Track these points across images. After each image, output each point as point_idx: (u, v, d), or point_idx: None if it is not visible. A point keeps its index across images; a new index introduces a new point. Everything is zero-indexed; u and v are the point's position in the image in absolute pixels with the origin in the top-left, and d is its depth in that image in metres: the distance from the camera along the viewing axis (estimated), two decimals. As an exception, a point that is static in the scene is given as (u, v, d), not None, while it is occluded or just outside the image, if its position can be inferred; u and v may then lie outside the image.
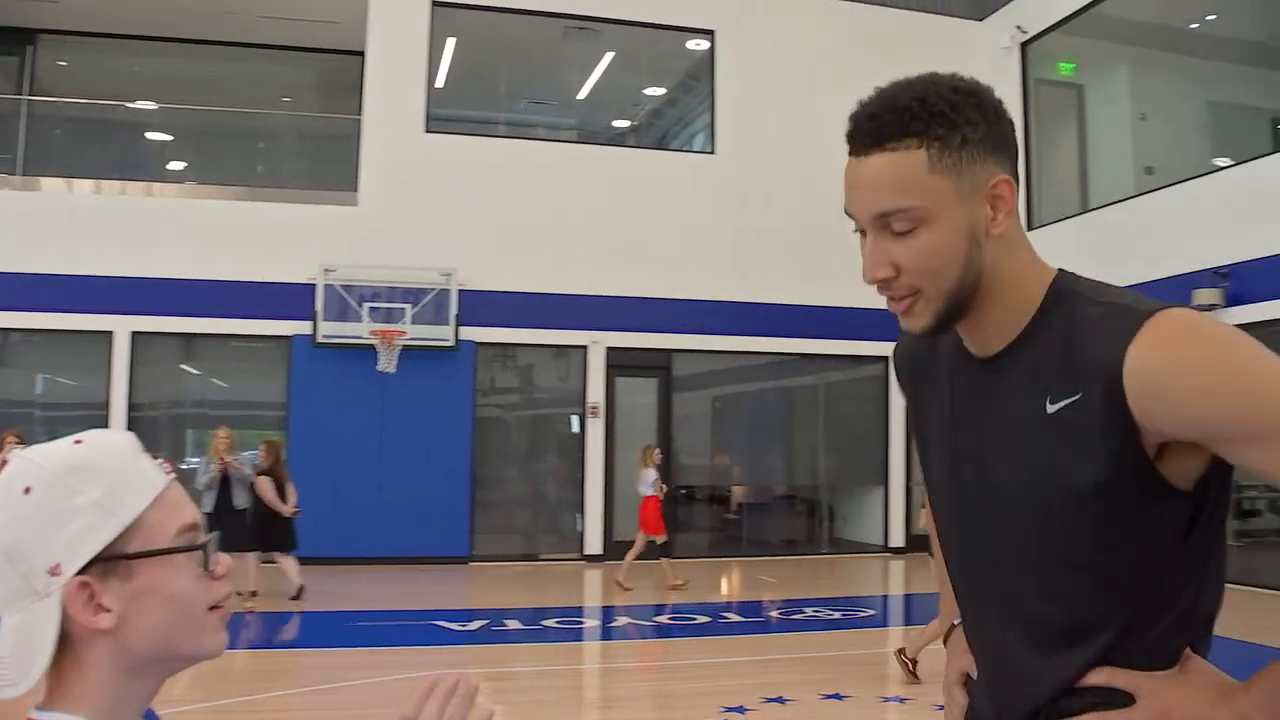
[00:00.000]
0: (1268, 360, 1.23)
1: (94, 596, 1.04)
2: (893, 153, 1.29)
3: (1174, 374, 1.23)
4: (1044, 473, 1.33)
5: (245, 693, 7.18)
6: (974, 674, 1.59)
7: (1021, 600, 1.41)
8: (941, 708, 1.70)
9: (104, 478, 1.06)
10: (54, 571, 1.03)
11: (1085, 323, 1.31)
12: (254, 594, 10.13)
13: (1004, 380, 1.38)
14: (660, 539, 12.03)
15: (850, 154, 1.33)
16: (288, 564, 10.53)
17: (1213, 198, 12.50)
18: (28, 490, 1.05)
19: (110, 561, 1.05)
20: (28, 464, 1.07)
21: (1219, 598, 1.40)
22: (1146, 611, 1.34)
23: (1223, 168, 13.02)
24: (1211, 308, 12.03)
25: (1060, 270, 1.41)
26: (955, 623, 1.71)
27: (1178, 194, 13.00)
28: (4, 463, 9.44)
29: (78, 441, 1.10)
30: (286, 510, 10.51)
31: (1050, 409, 1.31)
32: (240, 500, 10.09)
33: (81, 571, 1.04)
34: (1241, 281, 11.95)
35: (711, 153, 15.35)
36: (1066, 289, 1.37)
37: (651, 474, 12.13)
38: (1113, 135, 15.36)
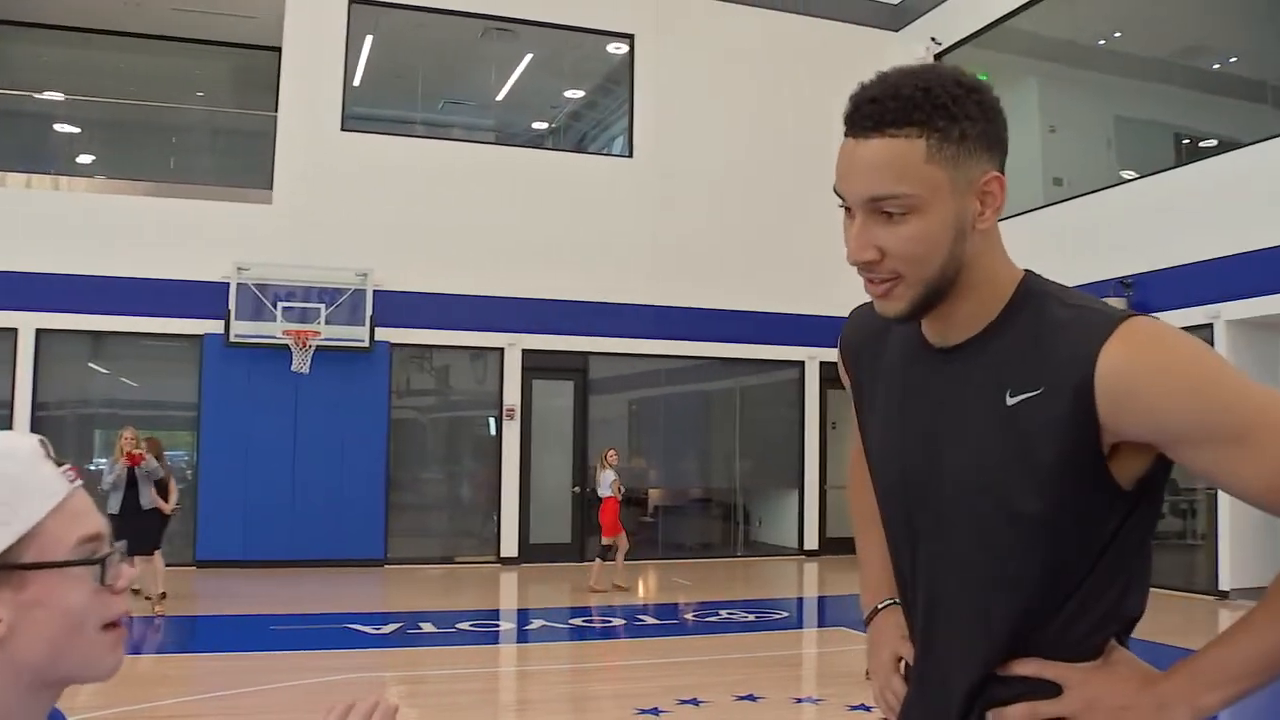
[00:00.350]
0: (1229, 369, 1.30)
1: None
2: (893, 139, 1.31)
3: (1145, 378, 1.27)
4: (994, 462, 1.36)
5: (150, 699, 7.04)
6: (910, 659, 1.59)
7: (960, 586, 1.44)
8: (856, 707, 1.70)
9: (2, 484, 1.02)
10: None
11: (1056, 322, 1.34)
12: (163, 596, 9.93)
13: (963, 371, 1.41)
14: (611, 541, 12.05)
15: (848, 135, 1.35)
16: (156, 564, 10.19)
17: (1119, 209, 12.85)
18: None
19: (3, 570, 1.00)
20: None
21: (1144, 600, 1.44)
22: (1077, 605, 1.38)
23: (1128, 180, 13.39)
24: (1115, 316, 12.35)
25: (1028, 270, 1.44)
26: (879, 605, 1.72)
27: (1085, 205, 13.35)
28: None
29: None
30: (167, 508, 10.24)
31: (1009, 401, 1.35)
32: (147, 500, 9.85)
33: None
34: (1145, 291, 12.29)
35: (629, 156, 15.41)
36: (1036, 288, 1.41)
37: (610, 475, 12.14)
38: (1023, 146, 15.69)
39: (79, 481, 1.10)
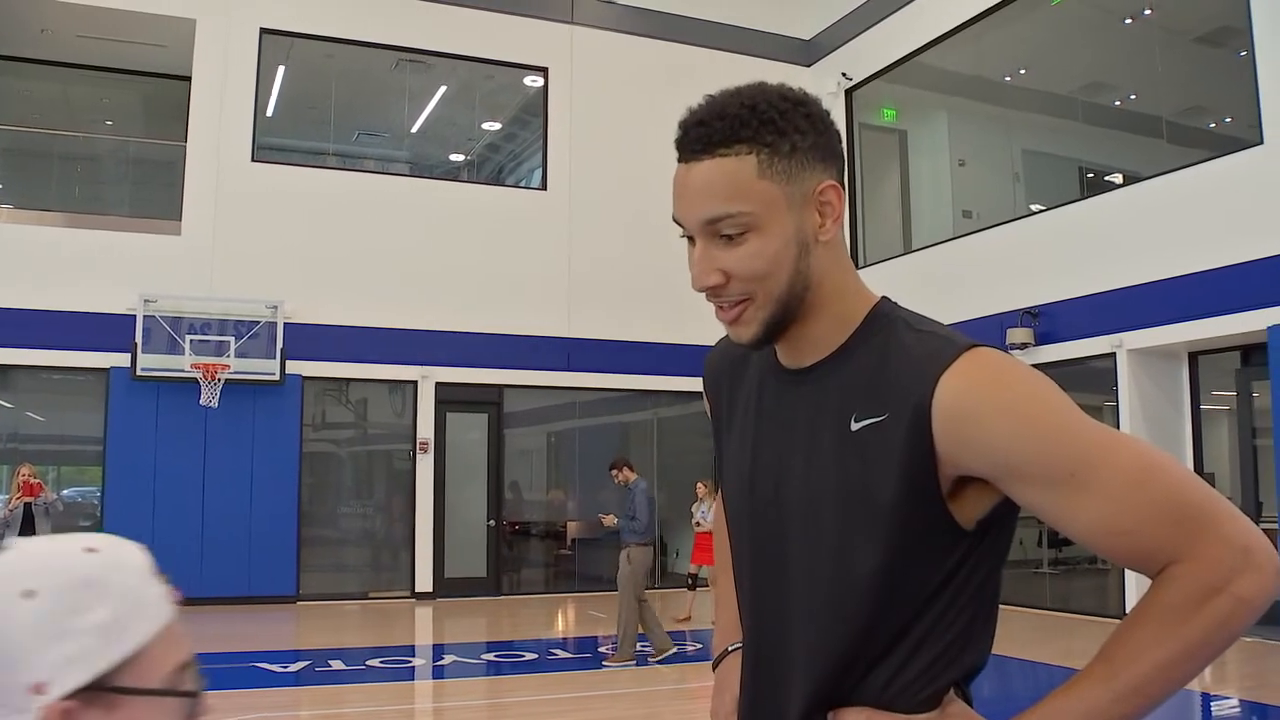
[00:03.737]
0: (1070, 406, 1.25)
1: None
2: (723, 158, 1.29)
3: (983, 409, 1.24)
4: (837, 489, 1.33)
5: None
6: None
7: (795, 620, 1.40)
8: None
9: (115, 600, 0.97)
10: (38, 690, 0.92)
11: (902, 348, 1.32)
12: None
13: (812, 393, 1.38)
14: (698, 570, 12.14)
15: (680, 160, 1.33)
16: None
17: (1026, 241, 13.13)
18: (30, 594, 0.94)
19: (98, 691, 0.94)
20: (35, 564, 0.96)
21: (986, 649, 1.38)
22: (910, 649, 1.32)
23: (1035, 213, 13.70)
24: (1023, 346, 12.62)
25: (884, 297, 1.42)
26: (729, 648, 1.69)
27: (993, 237, 13.62)
28: None
29: (91, 549, 0.99)
30: None
31: (854, 427, 1.32)
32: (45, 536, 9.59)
33: (66, 696, 0.93)
34: (1050, 321, 12.57)
35: (544, 189, 15.42)
36: (888, 313, 1.38)
37: (709, 505, 12.06)
38: (933, 179, 16.02)
39: (179, 601, 1.06)
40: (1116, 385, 11.90)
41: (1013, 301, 12.87)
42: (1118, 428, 11.79)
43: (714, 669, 1.69)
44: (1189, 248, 10.97)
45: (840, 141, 1.38)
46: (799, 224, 1.32)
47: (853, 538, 1.32)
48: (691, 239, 1.35)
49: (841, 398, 1.35)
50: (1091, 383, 12.77)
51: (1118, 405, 11.92)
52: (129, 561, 1.02)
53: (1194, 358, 11.99)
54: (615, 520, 10.10)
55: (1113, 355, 11.89)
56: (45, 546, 0.98)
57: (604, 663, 9.57)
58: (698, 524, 12.39)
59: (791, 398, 1.42)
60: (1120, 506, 1.21)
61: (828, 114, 1.37)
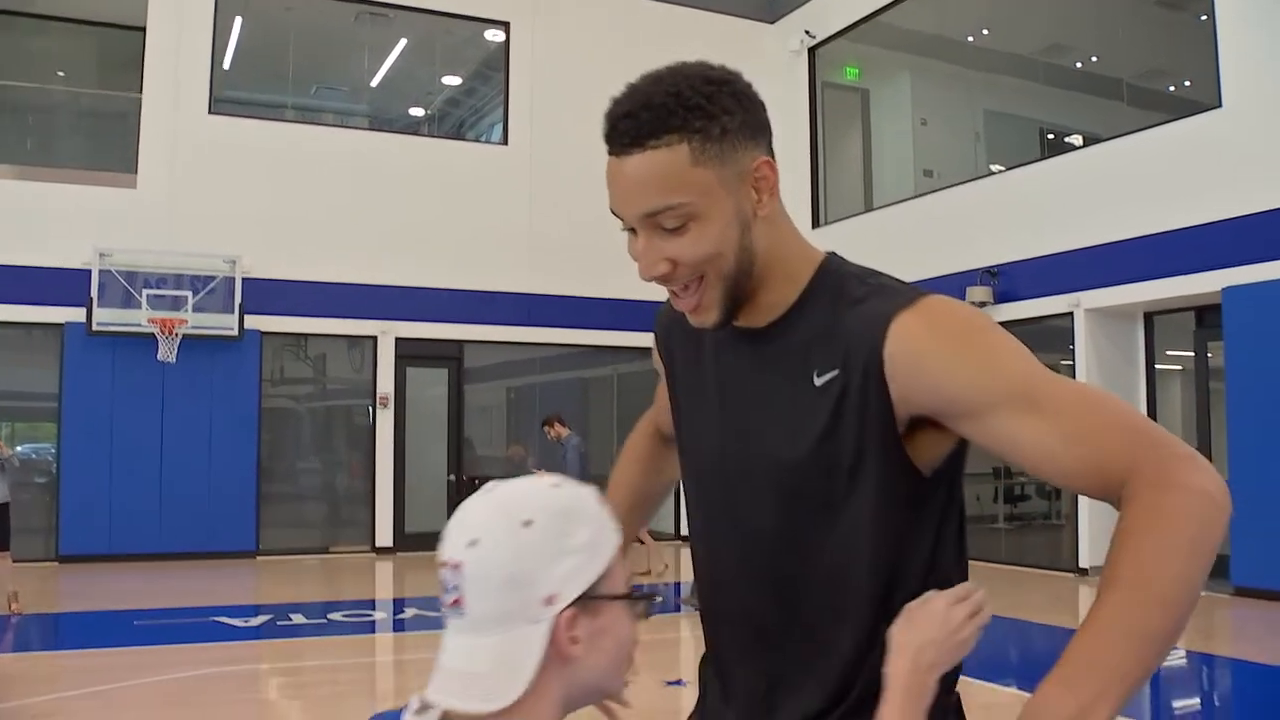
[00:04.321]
0: (1018, 346, 1.28)
1: (572, 628, 1.11)
2: (654, 150, 1.27)
3: (931, 346, 1.26)
4: (806, 444, 1.34)
5: (18, 696, 6.83)
6: None
7: (777, 572, 1.41)
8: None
9: (590, 523, 1.14)
10: (549, 601, 1.10)
11: (851, 301, 1.33)
12: (15, 594, 9.55)
13: (772, 353, 1.39)
14: None
15: (610, 154, 1.31)
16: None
17: (986, 201, 13.22)
18: (529, 523, 1.11)
19: (587, 600, 1.12)
20: (523, 500, 1.14)
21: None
22: (878, 603, 1.34)
23: (995, 173, 13.79)
24: (982, 305, 12.71)
25: (830, 253, 1.43)
26: None
27: (954, 197, 13.69)
28: None
29: (556, 485, 1.17)
30: None
31: (817, 381, 1.33)
32: (1, 493, 9.45)
33: (567, 605, 1.12)
34: (1009, 280, 12.68)
35: (505, 144, 15.33)
36: (836, 269, 1.40)
37: None
38: (895, 139, 16.05)
39: None
40: (1074, 344, 12.05)
41: (972, 260, 12.97)
42: (1073, 386, 12.11)
43: None
44: (1147, 209, 11.09)
45: (766, 112, 1.37)
46: (738, 204, 1.32)
47: (826, 490, 1.34)
48: (632, 230, 1.35)
49: (801, 354, 1.36)
50: (1049, 342, 12.91)
51: (1074, 364, 12.07)
52: (586, 493, 1.19)
53: (1149, 318, 12.16)
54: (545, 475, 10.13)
55: (1070, 315, 12.04)
56: (522, 486, 1.16)
57: None
58: None
59: (752, 358, 1.43)
60: (1075, 422, 1.22)
61: (750, 87, 1.36)
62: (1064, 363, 12.56)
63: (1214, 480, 1.17)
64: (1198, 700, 7.16)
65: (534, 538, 1.11)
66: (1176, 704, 6.99)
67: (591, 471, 10.22)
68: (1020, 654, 8.66)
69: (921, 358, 1.27)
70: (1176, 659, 8.18)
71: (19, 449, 13.52)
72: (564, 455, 10.03)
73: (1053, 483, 1.27)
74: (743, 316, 1.40)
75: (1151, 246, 11.06)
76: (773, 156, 1.35)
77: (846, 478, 1.33)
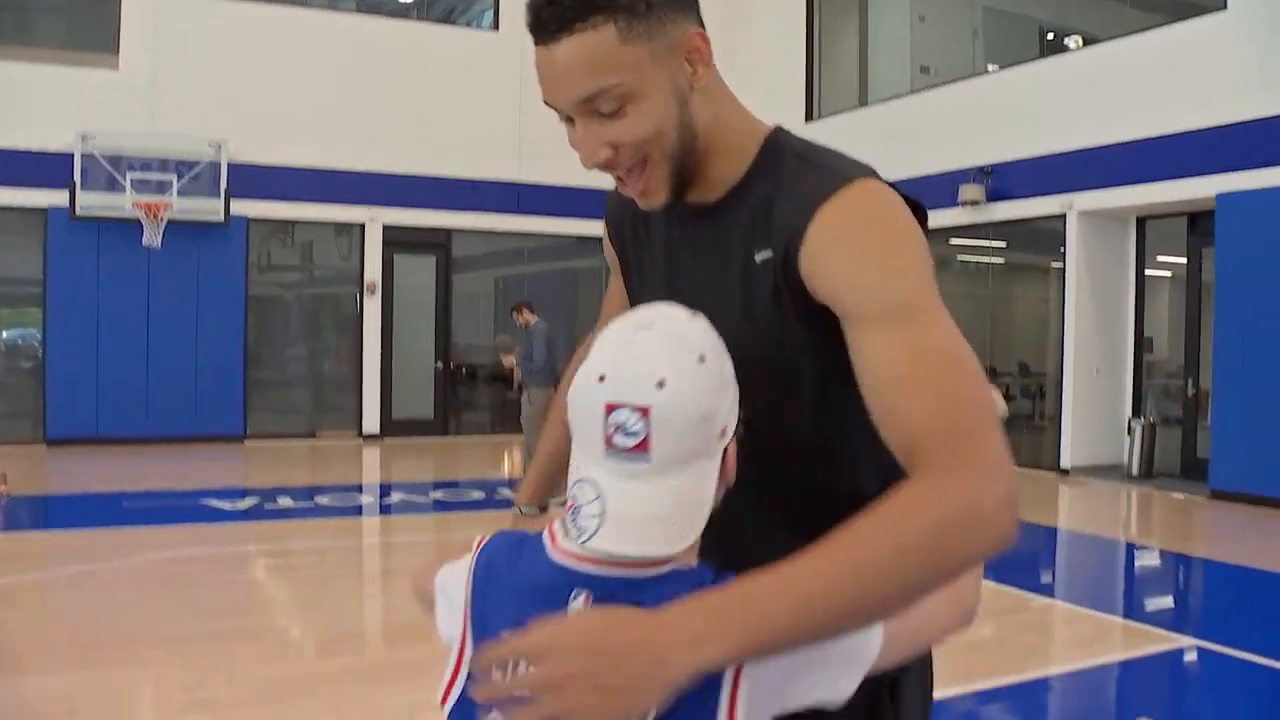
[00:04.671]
0: (917, 262, 1.22)
1: (728, 440, 1.15)
2: (581, 34, 1.23)
3: (836, 236, 1.23)
4: (749, 321, 1.32)
5: (6, 574, 6.89)
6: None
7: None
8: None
9: (725, 357, 1.17)
10: (722, 434, 1.13)
11: (791, 182, 1.30)
12: (4, 476, 9.59)
13: (718, 230, 1.37)
14: None
15: (537, 44, 1.26)
16: None
17: (982, 99, 13.06)
18: (702, 359, 1.12)
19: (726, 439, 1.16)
20: (690, 335, 1.14)
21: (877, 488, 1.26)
22: (830, 483, 1.35)
23: (992, 72, 13.60)
24: (974, 203, 12.66)
25: (777, 127, 1.39)
26: (522, 510, 1.77)
27: (950, 94, 13.52)
28: None
29: (696, 317, 1.18)
30: None
31: (757, 259, 1.31)
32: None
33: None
34: (1002, 180, 12.59)
35: (495, 29, 15.05)
36: (781, 144, 1.36)
37: None
38: (892, 34, 15.77)
39: None
40: (1064, 246, 12.01)
41: (966, 159, 12.86)
42: (1064, 289, 12.02)
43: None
44: (1144, 112, 10.97)
45: None
46: (673, 79, 1.28)
47: (771, 368, 1.31)
48: (570, 119, 1.31)
49: (746, 230, 1.34)
50: (1040, 243, 12.89)
51: (1065, 267, 12.06)
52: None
53: (1142, 222, 12.11)
54: (514, 361, 10.27)
55: (1063, 216, 11.98)
56: (677, 321, 1.16)
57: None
58: None
59: (699, 235, 1.40)
60: (915, 365, 1.16)
61: None
62: (1054, 265, 12.54)
63: (997, 501, 1.07)
64: (1171, 599, 7.29)
65: (710, 371, 1.12)
66: (1150, 603, 7.12)
67: (560, 359, 10.20)
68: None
69: (823, 251, 1.24)
70: (1151, 559, 8.33)
71: (4, 334, 13.46)
72: (530, 342, 10.07)
73: (873, 416, 1.19)
74: (691, 193, 1.38)
75: (1147, 150, 10.96)
76: (703, 27, 1.32)
77: (788, 357, 1.32)
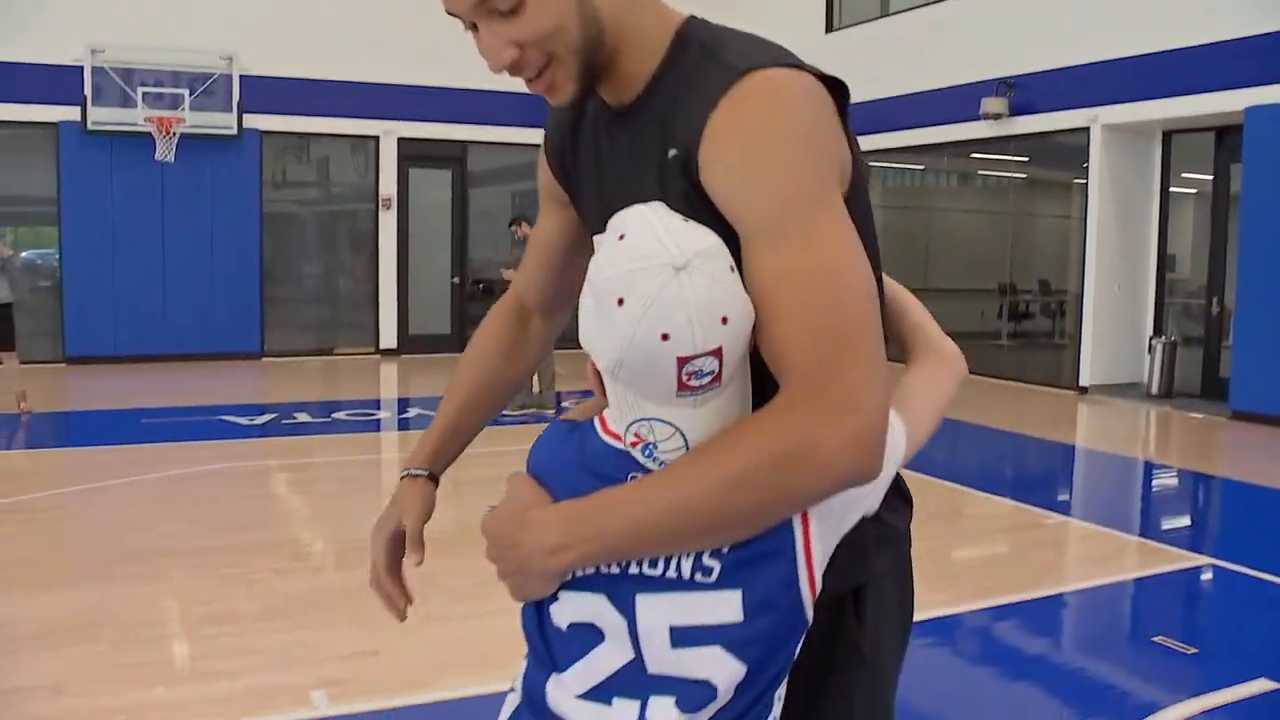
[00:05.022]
0: (806, 168, 1.15)
1: None
2: None
3: (728, 144, 1.16)
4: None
5: (15, 493, 6.95)
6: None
7: None
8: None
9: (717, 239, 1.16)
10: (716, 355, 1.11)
11: (690, 78, 1.23)
12: (23, 394, 9.63)
13: (635, 129, 1.30)
14: None
15: None
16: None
17: (1005, 10, 12.76)
18: (732, 268, 1.12)
19: None
20: (714, 248, 1.12)
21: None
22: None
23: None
24: (997, 117, 12.45)
25: (690, 16, 1.32)
26: (412, 471, 1.70)
27: (973, 4, 13.21)
28: None
29: (689, 224, 1.15)
30: None
31: (669, 155, 1.23)
32: (3, 294, 9.39)
33: None
34: (1026, 93, 12.36)
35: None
36: (689, 36, 1.28)
37: None
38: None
39: None
40: (1088, 162, 11.82)
41: (989, 71, 12.62)
42: (1086, 206, 11.86)
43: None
44: (1172, 22, 10.70)
45: None
46: None
47: None
48: (473, 26, 1.26)
49: (660, 128, 1.26)
50: (1063, 158, 12.70)
51: (1087, 182, 11.88)
52: None
53: (1168, 137, 11.89)
54: (513, 274, 10.15)
55: (1086, 130, 11.77)
56: (693, 237, 1.11)
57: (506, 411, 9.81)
58: None
59: (621, 136, 1.34)
60: (784, 290, 1.12)
61: None
62: (1077, 181, 12.36)
63: (840, 441, 1.06)
64: (1188, 518, 7.28)
65: (734, 275, 1.12)
66: (1167, 522, 7.11)
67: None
68: (1016, 467, 8.78)
69: (713, 159, 1.17)
70: (1169, 478, 8.30)
71: (24, 254, 13.44)
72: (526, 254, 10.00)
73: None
74: (611, 92, 1.32)
75: (1174, 62, 10.71)
76: None
77: None
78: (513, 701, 1.27)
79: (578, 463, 1.19)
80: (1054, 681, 4.04)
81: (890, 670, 1.40)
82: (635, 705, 1.14)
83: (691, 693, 1.12)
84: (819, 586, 1.15)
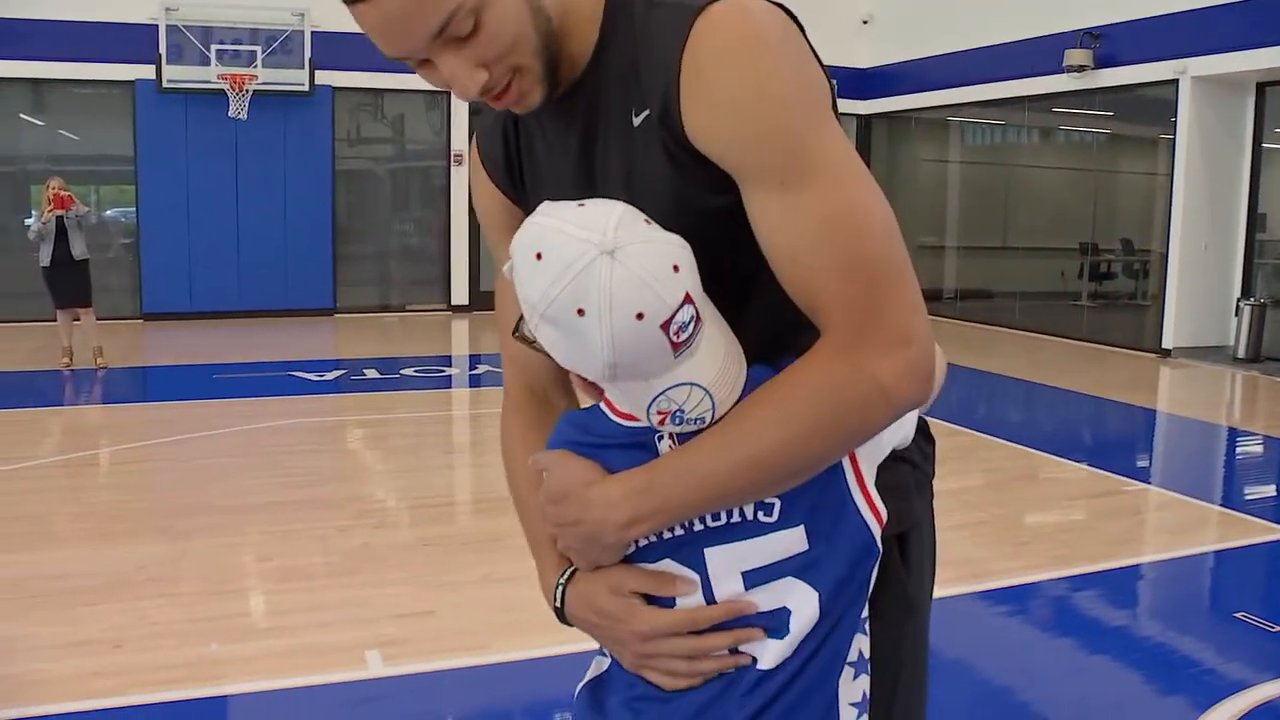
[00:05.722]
0: (805, 99, 1.08)
1: None
2: None
3: (714, 94, 1.08)
4: (643, 188, 1.17)
5: (92, 446, 7.06)
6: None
7: None
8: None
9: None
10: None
11: (643, 31, 1.15)
12: (100, 349, 9.78)
13: (585, 108, 1.22)
14: None
15: (352, 5, 1.07)
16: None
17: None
18: (649, 220, 1.09)
19: None
20: (628, 213, 1.08)
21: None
22: (759, 327, 1.20)
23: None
24: (1080, 69, 12.07)
25: None
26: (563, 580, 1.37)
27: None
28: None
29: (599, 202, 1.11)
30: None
31: (635, 122, 1.16)
32: (80, 249, 9.51)
33: None
34: (1111, 44, 11.97)
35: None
36: None
37: None
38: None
39: None
40: (1176, 116, 11.42)
41: (1072, 21, 12.22)
42: (1173, 162, 11.48)
43: (562, 613, 1.27)
44: (1268, -33, 10.28)
45: None
46: None
47: (667, 225, 1.12)
48: (424, 64, 1.15)
49: (617, 98, 1.18)
50: (1149, 113, 12.30)
51: (1175, 138, 11.49)
52: None
53: (1262, 89, 11.43)
54: None
55: (1175, 83, 11.36)
56: (613, 210, 1.06)
57: None
58: None
59: (569, 124, 1.24)
60: (813, 232, 1.07)
61: None
62: (1163, 136, 11.96)
63: (897, 374, 1.07)
64: (1274, 488, 7.02)
65: (655, 224, 1.10)
66: (1251, 491, 6.87)
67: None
68: (1094, 432, 8.55)
69: (697, 102, 1.09)
70: (1254, 445, 8.03)
71: (107, 213, 13.64)
72: None
73: (781, 283, 1.12)
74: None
75: (1269, 9, 10.27)
76: None
77: (691, 225, 1.13)
78: (601, 664, 1.30)
79: (595, 443, 1.18)
80: (1130, 656, 3.90)
81: (927, 616, 1.37)
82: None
83: (768, 621, 1.16)
84: (881, 511, 1.17)
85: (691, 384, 1.09)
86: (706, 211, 1.15)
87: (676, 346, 1.06)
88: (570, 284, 1.02)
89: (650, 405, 1.10)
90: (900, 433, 1.23)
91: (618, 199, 1.13)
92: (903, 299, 1.08)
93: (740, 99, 1.07)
